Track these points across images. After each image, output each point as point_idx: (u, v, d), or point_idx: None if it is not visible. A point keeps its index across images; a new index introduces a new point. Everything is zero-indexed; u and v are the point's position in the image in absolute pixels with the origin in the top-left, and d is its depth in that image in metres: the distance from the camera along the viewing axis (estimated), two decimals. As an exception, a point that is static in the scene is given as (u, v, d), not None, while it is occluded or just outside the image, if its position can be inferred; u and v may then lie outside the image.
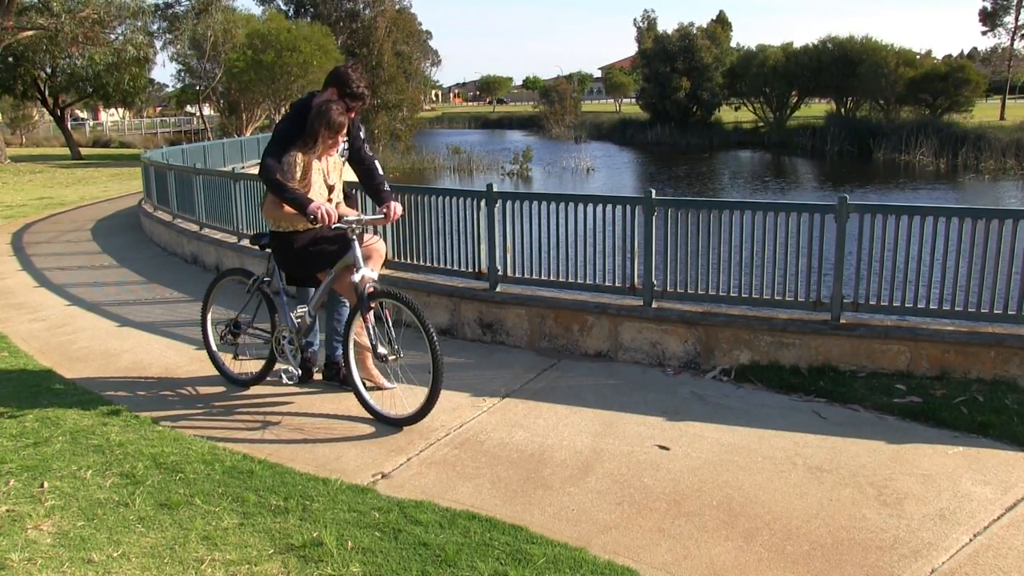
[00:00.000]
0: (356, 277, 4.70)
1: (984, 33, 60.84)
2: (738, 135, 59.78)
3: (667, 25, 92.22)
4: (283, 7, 52.47)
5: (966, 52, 72.86)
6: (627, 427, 4.66)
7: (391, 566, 3.26)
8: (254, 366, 5.52)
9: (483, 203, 6.47)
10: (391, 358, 4.69)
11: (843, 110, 56.69)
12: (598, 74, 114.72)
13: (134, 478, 4.09)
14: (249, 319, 5.47)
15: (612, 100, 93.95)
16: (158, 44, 40.63)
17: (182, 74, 44.26)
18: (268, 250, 5.24)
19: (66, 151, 39.07)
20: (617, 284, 6.10)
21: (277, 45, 37.57)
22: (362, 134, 5.28)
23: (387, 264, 7.30)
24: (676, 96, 59.50)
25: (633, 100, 77.63)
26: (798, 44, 58.52)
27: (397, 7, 55.69)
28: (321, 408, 5.10)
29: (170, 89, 55.10)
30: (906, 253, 5.31)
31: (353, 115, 5.04)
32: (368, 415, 4.84)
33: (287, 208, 4.78)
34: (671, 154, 51.26)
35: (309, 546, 3.40)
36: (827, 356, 5.45)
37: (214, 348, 5.67)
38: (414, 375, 4.98)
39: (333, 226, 4.70)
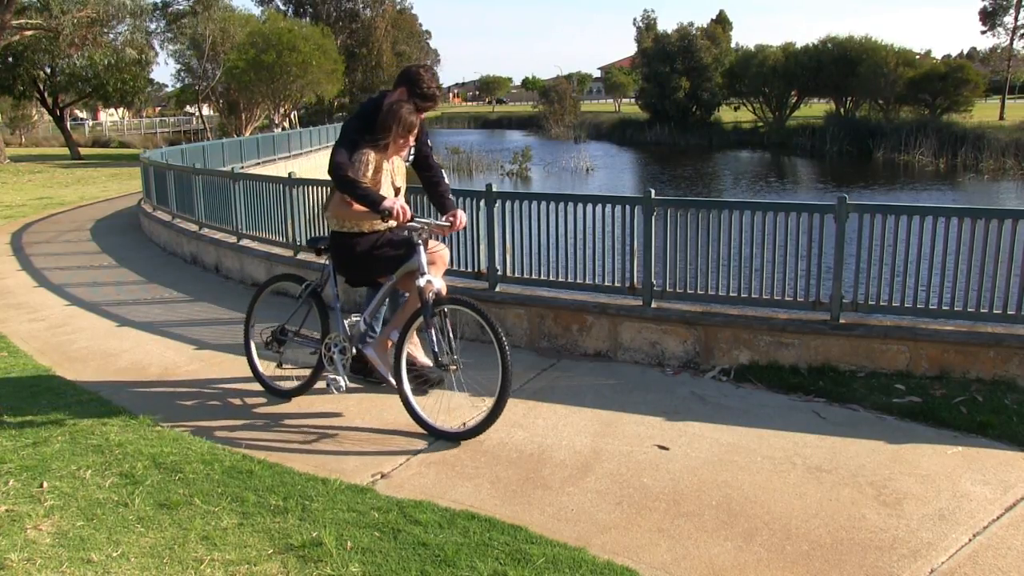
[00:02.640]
0: (420, 282, 4.52)
1: (983, 33, 61.07)
2: (738, 135, 59.76)
3: (667, 25, 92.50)
4: (282, 7, 52.57)
5: (965, 52, 72.86)
6: (626, 427, 4.66)
7: (390, 566, 3.26)
8: (295, 375, 5.29)
9: (482, 203, 6.47)
10: (452, 368, 4.51)
11: (842, 110, 56.69)
12: (597, 74, 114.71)
13: (133, 478, 4.09)
14: (296, 326, 5.25)
15: (611, 100, 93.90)
16: (157, 44, 40.55)
17: (181, 74, 44.26)
18: (324, 256, 5.08)
19: (65, 151, 39.05)
20: (616, 284, 6.10)
21: (277, 45, 37.60)
22: (428, 140, 5.15)
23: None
24: (676, 96, 59.47)
25: (632, 100, 77.58)
26: (798, 44, 58.55)
27: (398, 7, 55.75)
28: (321, 407, 5.10)
29: (169, 89, 55.13)
30: (905, 253, 5.31)
31: (422, 116, 4.90)
32: (419, 429, 4.59)
33: (356, 206, 4.62)
34: (671, 154, 51.26)
35: (308, 546, 3.40)
36: (827, 356, 5.45)
37: (255, 357, 5.44)
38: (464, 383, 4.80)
39: (407, 225, 4.58)
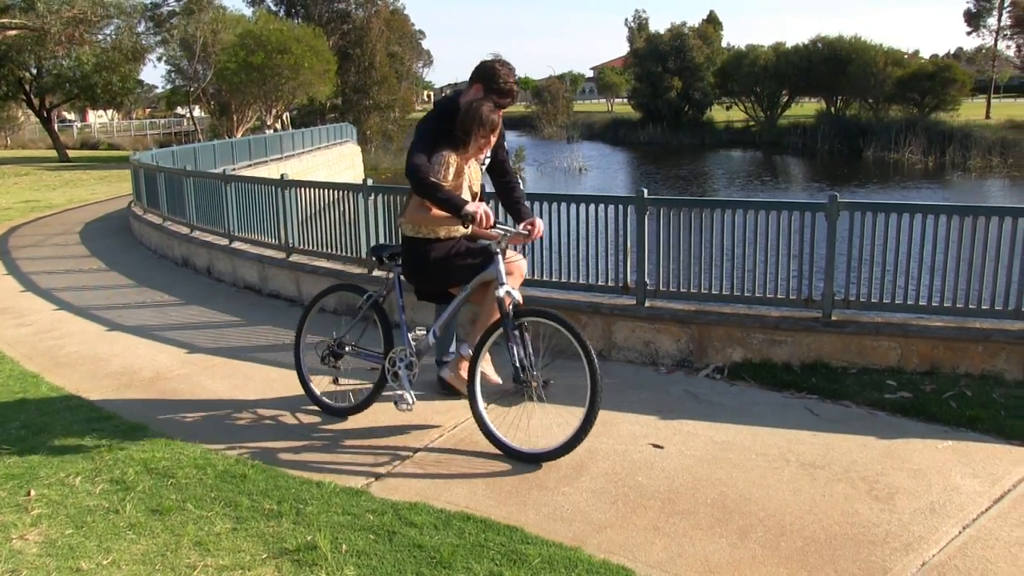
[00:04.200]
0: (500, 293, 4.23)
1: (969, 33, 61.42)
2: (730, 134, 60.00)
3: (658, 25, 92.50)
4: (274, 8, 52.38)
5: (952, 52, 73.31)
6: (621, 426, 4.66)
7: (386, 569, 3.26)
8: (351, 392, 5.04)
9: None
10: (533, 384, 4.25)
11: (833, 109, 56.96)
12: (590, 74, 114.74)
13: (124, 484, 4.06)
14: (354, 340, 4.98)
15: (604, 100, 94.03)
16: (146, 44, 40.25)
17: (172, 75, 44.03)
18: (386, 266, 4.85)
19: (53, 153, 38.73)
20: (610, 284, 6.10)
21: (268, 46, 37.50)
22: (505, 143, 4.85)
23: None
24: (668, 96, 59.66)
25: (625, 100, 77.72)
26: (788, 44, 58.80)
27: (390, 8, 55.68)
28: (313, 409, 5.08)
29: (160, 90, 54.80)
30: (896, 250, 5.34)
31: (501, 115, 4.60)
32: (497, 450, 4.31)
33: (435, 211, 4.34)
34: (663, 153, 51.40)
35: (303, 550, 3.40)
36: (819, 353, 5.47)
37: (307, 374, 5.11)
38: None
39: (486, 232, 4.38)
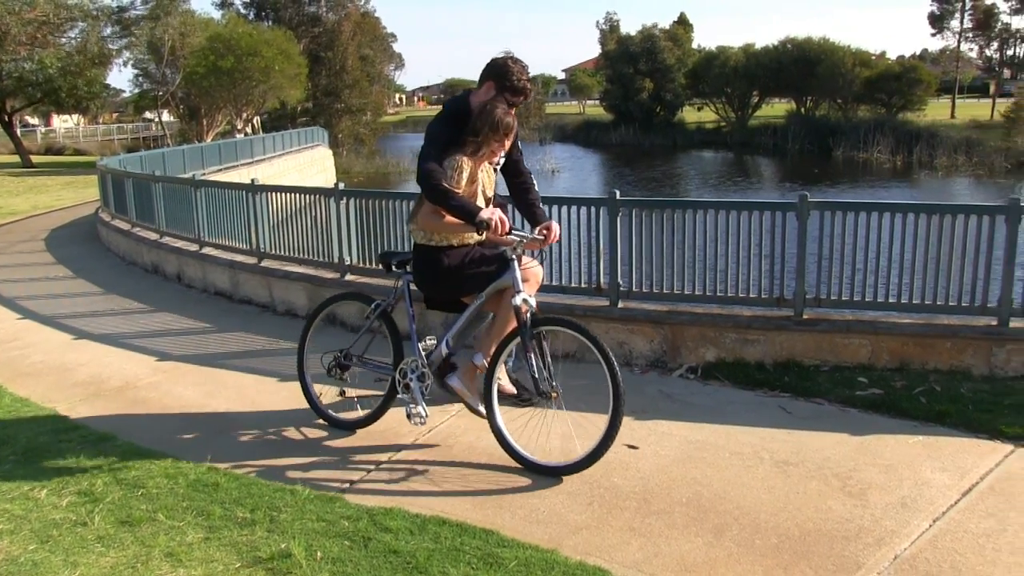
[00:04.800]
0: (516, 301, 4.08)
1: (933, 35, 62.55)
2: (701, 135, 60.42)
3: (629, 27, 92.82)
4: (243, 11, 52.00)
5: (918, 53, 74.49)
6: (595, 427, 4.65)
7: (361, 575, 3.23)
8: (358, 404, 4.84)
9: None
10: (553, 395, 4.12)
11: (803, 109, 57.59)
12: (562, 76, 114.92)
13: (92, 496, 3.98)
14: (361, 351, 4.77)
15: (576, 102, 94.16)
16: (112, 48, 39.60)
17: (139, 79, 43.39)
18: (396, 273, 4.68)
19: (15, 159, 37.86)
20: (583, 285, 6.11)
21: (238, 50, 37.21)
22: (519, 143, 4.59)
23: (351, 269, 7.27)
24: (639, 97, 59.98)
25: (597, 102, 78.00)
26: (758, 45, 59.37)
27: (361, 11, 55.48)
28: (286, 415, 5.04)
29: (127, 95, 54.02)
30: (865, 249, 5.41)
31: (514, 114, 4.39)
32: (515, 463, 4.17)
33: (448, 218, 4.16)
34: (636, 155, 51.62)
35: (277, 558, 3.36)
36: (791, 351, 5.51)
37: (311, 387, 4.92)
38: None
39: (502, 239, 4.14)
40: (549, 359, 4.14)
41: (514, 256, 4.18)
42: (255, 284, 8.32)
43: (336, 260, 7.35)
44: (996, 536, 3.39)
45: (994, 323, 5.24)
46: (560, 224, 6.02)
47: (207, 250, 9.15)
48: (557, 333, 4.25)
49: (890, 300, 5.44)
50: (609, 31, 70.51)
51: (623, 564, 3.28)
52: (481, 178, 4.30)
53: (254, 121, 46.40)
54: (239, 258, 8.55)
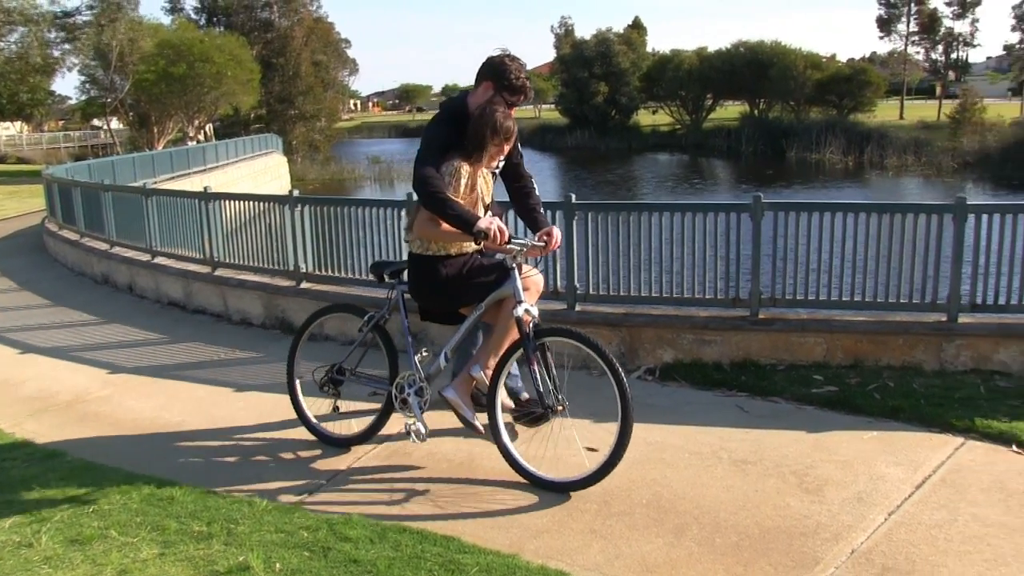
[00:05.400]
0: (519, 312, 3.93)
1: (881, 38, 63.88)
2: (656, 138, 60.94)
3: (584, 31, 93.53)
4: (194, 17, 51.31)
5: (867, 56, 76.10)
6: (554, 431, 4.65)
7: (320, 585, 3.19)
8: (353, 420, 4.63)
9: (403, 213, 6.41)
10: (559, 408, 4.01)
11: (756, 111, 58.40)
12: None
13: (39, 515, 3.85)
14: (354, 365, 4.58)
15: (531, 106, 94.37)
16: (56, 54, 38.65)
17: (86, 86, 42.34)
18: (389, 284, 4.50)
19: (-47, 168, 36.81)
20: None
21: (189, 55, 36.68)
22: (519, 146, 4.38)
23: (307, 277, 7.20)
24: (594, 101, 60.33)
25: (552, 105, 78.28)
26: (711, 48, 60.12)
27: (314, 16, 55.10)
28: (243, 425, 4.96)
29: (73, 101, 52.80)
30: (819, 248, 5.49)
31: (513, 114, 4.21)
32: (521, 478, 4.02)
33: (445, 226, 3.96)
34: (591, 158, 51.92)
35: (235, 571, 3.29)
36: (747, 351, 5.57)
37: (302, 403, 4.70)
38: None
39: (507, 246, 3.96)
40: (554, 371, 4.01)
41: (514, 265, 4.02)
42: (209, 293, 8.19)
43: (292, 268, 7.27)
44: (948, 526, 3.46)
45: (943, 319, 5.35)
46: (515, 228, 6.02)
47: (159, 260, 9.00)
48: (562, 346, 4.10)
49: (844, 299, 5.53)
50: (564, 35, 70.74)
51: (584, 567, 3.28)
52: (480, 184, 4.14)
53: (206, 128, 45.81)
54: (192, 267, 8.42)
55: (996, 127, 43.34)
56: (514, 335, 4.03)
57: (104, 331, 7.78)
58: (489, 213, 4.16)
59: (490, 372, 4.10)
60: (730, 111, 61.83)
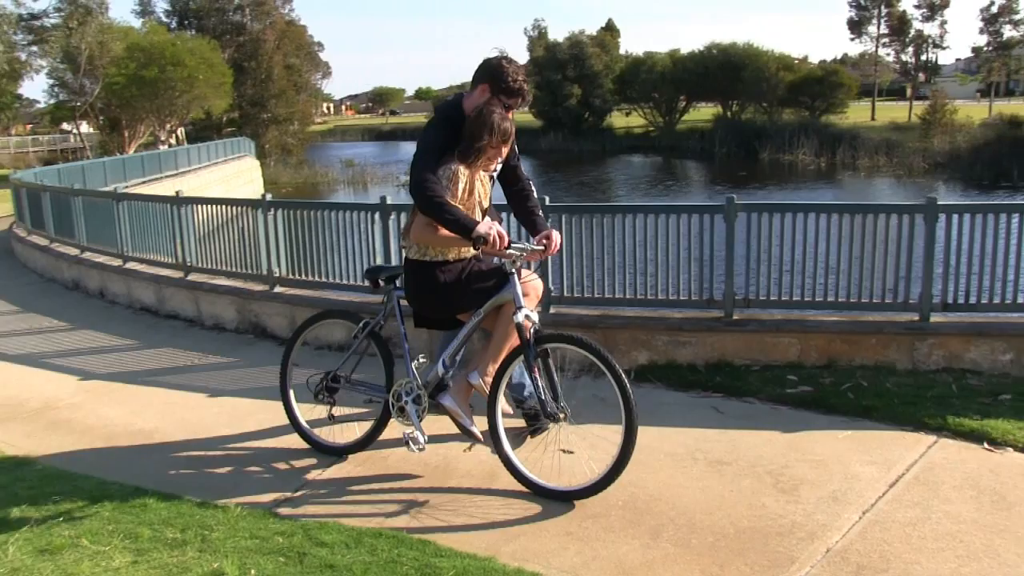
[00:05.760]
0: (519, 318, 3.84)
1: (852, 40, 64.71)
2: (630, 140, 61.21)
3: (557, 34, 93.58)
4: (165, 20, 50.81)
5: (839, 57, 76.99)
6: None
7: (295, 592, 3.16)
8: (348, 428, 4.52)
9: (377, 216, 6.39)
10: (562, 416, 3.91)
11: (729, 113, 58.84)
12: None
13: (8, 525, 3.78)
14: (349, 372, 4.48)
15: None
16: (22, 56, 38.01)
17: (55, 89, 41.68)
18: (385, 289, 4.41)
19: (-85, 173, 36.10)
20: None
21: (160, 59, 36.31)
22: (516, 148, 4.32)
23: (280, 281, 7.15)
24: (568, 103, 60.51)
25: (525, 108, 78.37)
26: (684, 51, 60.47)
27: (287, 19, 54.81)
28: (217, 431, 4.92)
29: (42, 105, 52.02)
30: (792, 249, 5.53)
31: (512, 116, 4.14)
32: (522, 487, 3.96)
33: (443, 231, 3.85)
34: (565, 160, 52.05)
35: (208, 578, 3.26)
36: (722, 352, 5.59)
37: (296, 411, 4.61)
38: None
39: (507, 252, 3.85)
40: (556, 378, 3.93)
41: (513, 270, 3.93)
42: (182, 298, 8.11)
43: (265, 272, 7.21)
44: (921, 524, 3.49)
45: (916, 319, 5.42)
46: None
47: (131, 265, 8.90)
48: (564, 353, 4.02)
49: (817, 299, 5.58)
50: (537, 38, 70.83)
51: (561, 569, 3.28)
52: (478, 188, 4.03)
53: (178, 132, 45.36)
54: (165, 272, 8.33)
55: (966, 128, 44.02)
56: (513, 341, 3.96)
57: (75, 337, 7.68)
58: (487, 217, 4.06)
59: (489, 379, 4.02)
60: (703, 113, 62.26)
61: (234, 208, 7.87)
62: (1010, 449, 4.20)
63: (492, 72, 4.05)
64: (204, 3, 50.71)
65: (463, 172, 3.91)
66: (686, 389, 5.32)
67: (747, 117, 56.91)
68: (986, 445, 4.26)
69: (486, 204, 4.13)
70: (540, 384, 3.89)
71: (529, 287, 4.04)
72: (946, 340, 5.37)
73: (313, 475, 4.26)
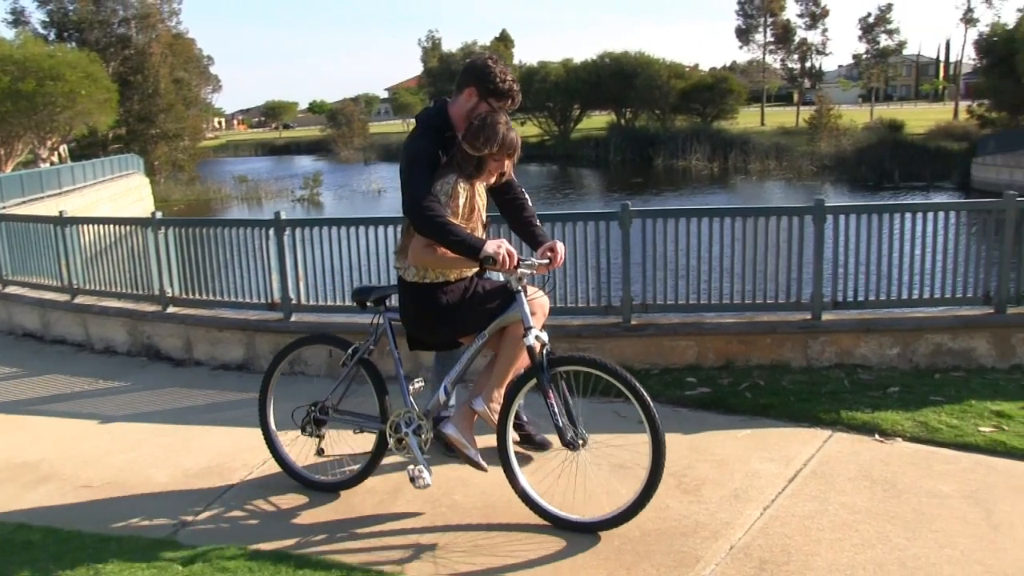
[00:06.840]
0: (529, 339, 3.56)
1: (740, 48, 67.20)
2: (525, 149, 59.17)
3: (451, 44, 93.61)
4: (42, 31, 48.47)
5: (728, 65, 79.68)
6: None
7: (197, 624, 3.04)
8: (336, 463, 4.22)
9: (272, 232, 6.25)
10: (580, 442, 3.65)
11: (623, 121, 60.05)
12: (385, 95, 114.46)
13: None
14: (337, 401, 4.15)
15: (400, 120, 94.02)
16: None
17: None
18: (375, 312, 4.07)
19: None
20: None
21: (39, 72, 34.56)
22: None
23: (174, 301, 6.90)
24: (464, 114, 60.55)
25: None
26: (577, 60, 61.42)
27: (174, 32, 53.14)
28: (109, 459, 4.69)
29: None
30: (687, 253, 5.66)
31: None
32: (542, 520, 3.67)
33: (442, 251, 3.58)
34: (463, 171, 52.02)
35: (102, 616, 3.10)
36: (622, 357, 5.67)
37: (279, 445, 4.30)
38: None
39: (519, 271, 3.60)
40: (571, 403, 3.65)
41: (519, 288, 3.65)
42: (69, 322, 7.73)
43: (157, 292, 6.95)
44: (819, 516, 3.61)
45: (808, 318, 5.62)
46: (387, 244, 5.93)
47: (12, 289, 8.43)
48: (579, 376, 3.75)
49: (713, 302, 5.73)
50: (431, 49, 70.91)
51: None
52: (477, 203, 3.77)
53: (60, 150, 43.31)
54: (49, 295, 7.93)
55: (850, 132, 46.26)
56: (521, 364, 3.75)
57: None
58: (487, 232, 3.88)
59: (495, 405, 3.76)
60: (597, 121, 63.39)
61: (123, 227, 7.57)
62: (899, 439, 4.40)
63: (478, 73, 3.78)
64: (86, 15, 48.66)
65: (463, 187, 3.63)
66: (587, 396, 5.33)
67: (641, 124, 58.27)
68: (877, 436, 4.45)
69: (484, 219, 3.89)
70: (556, 409, 3.60)
71: (536, 305, 3.75)
72: (837, 337, 5.59)
73: (213, 499, 4.10)
